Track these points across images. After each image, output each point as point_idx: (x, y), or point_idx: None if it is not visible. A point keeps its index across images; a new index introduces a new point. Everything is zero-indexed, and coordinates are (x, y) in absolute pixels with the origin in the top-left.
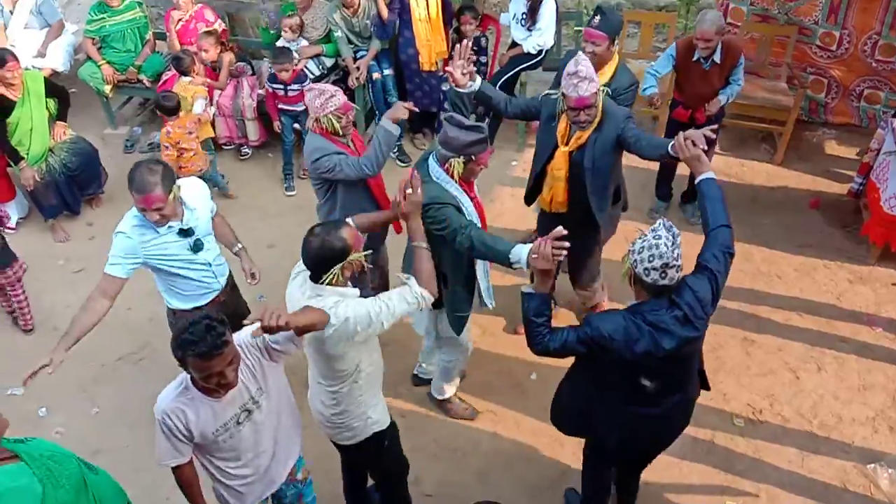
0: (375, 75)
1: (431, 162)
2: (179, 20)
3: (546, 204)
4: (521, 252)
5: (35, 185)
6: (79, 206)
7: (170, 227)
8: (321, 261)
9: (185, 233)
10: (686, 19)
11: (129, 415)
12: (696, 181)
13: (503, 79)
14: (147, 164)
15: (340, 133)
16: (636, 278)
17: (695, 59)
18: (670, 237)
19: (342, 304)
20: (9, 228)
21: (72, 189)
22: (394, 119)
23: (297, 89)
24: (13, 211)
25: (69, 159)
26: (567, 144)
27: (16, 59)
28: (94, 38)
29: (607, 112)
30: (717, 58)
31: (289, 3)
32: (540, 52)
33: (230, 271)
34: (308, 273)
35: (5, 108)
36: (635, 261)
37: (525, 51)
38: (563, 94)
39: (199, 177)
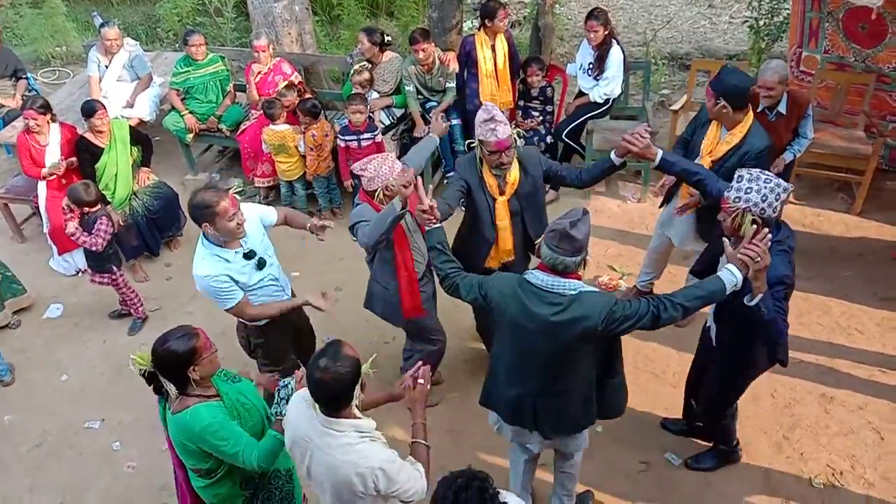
0: (444, 125)
1: (569, 283)
2: (259, 73)
3: (493, 261)
4: (730, 276)
5: (119, 227)
6: (158, 248)
7: (236, 252)
8: (336, 393)
9: (248, 255)
10: (757, 68)
11: None
12: (658, 161)
13: (569, 127)
14: (206, 186)
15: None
16: (765, 223)
17: (759, 109)
18: (763, 173)
19: (367, 443)
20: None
21: (153, 231)
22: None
23: (370, 138)
24: (79, 260)
25: (151, 203)
26: (503, 194)
27: (104, 108)
28: (178, 90)
29: (520, 154)
30: (782, 108)
31: (348, 86)
32: (607, 100)
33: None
34: (311, 405)
35: (94, 153)
36: (763, 209)
37: (592, 100)
38: (480, 142)
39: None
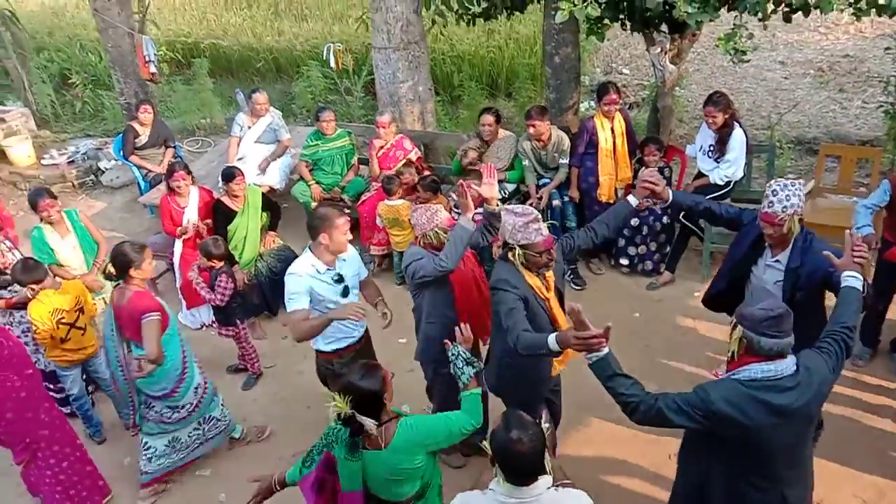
0: (555, 202)
1: (787, 362)
2: (381, 147)
3: (560, 364)
4: (856, 281)
5: (244, 286)
6: (278, 308)
7: (328, 269)
8: (538, 458)
9: (338, 279)
10: (894, 154)
11: None
12: (671, 200)
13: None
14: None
15: (444, 245)
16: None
17: None
18: (784, 180)
19: (562, 490)
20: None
21: (274, 292)
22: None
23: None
24: (205, 315)
25: (275, 265)
26: (549, 290)
27: (243, 175)
28: (307, 162)
29: None
30: None
31: (456, 163)
32: (728, 183)
33: (367, 327)
34: (497, 485)
35: (228, 216)
36: (801, 208)
37: (712, 181)
38: (523, 247)
39: None
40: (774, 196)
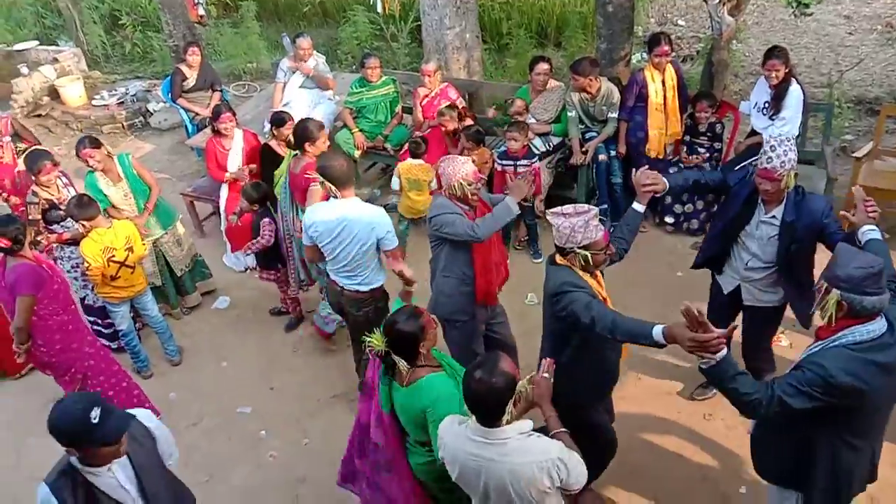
0: (601, 157)
1: (881, 319)
2: (425, 96)
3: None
4: (876, 234)
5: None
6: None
7: None
8: (494, 402)
9: None
10: None
11: (335, 450)
12: (668, 188)
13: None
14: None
15: (469, 198)
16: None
17: None
18: (774, 137)
19: (535, 438)
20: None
21: None
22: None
23: (526, 165)
24: (249, 258)
25: None
26: (603, 289)
27: (293, 119)
28: (351, 109)
29: None
30: None
31: (524, 89)
32: None
33: None
34: (470, 421)
35: (275, 161)
36: (795, 162)
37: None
38: (585, 248)
39: None
40: (773, 152)
